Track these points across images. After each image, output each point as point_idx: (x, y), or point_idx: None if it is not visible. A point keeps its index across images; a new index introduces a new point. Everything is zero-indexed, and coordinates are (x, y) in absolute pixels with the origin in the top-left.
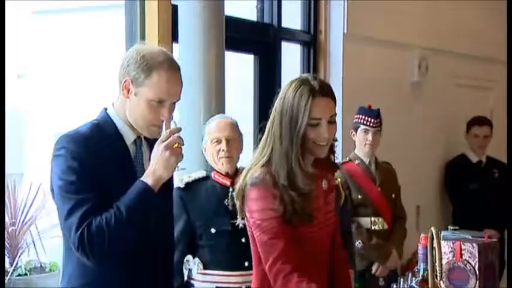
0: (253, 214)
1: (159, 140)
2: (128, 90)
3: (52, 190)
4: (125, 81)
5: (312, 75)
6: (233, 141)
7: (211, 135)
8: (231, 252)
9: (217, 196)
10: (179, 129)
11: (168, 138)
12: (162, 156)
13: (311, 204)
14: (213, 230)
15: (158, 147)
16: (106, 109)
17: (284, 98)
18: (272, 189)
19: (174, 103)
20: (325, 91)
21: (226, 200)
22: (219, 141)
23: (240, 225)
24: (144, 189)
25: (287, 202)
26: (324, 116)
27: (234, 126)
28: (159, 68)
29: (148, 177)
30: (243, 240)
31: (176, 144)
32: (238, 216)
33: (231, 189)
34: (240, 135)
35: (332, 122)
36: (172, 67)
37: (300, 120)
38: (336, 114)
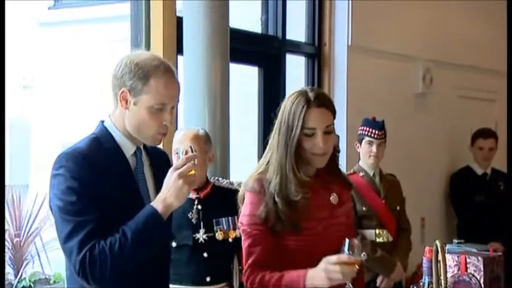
0: (242, 219)
1: (174, 166)
2: (126, 101)
3: (51, 207)
4: (122, 92)
5: (312, 87)
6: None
7: (173, 147)
8: (192, 267)
9: (182, 208)
10: (195, 157)
11: (183, 165)
12: (175, 185)
13: (299, 214)
14: (173, 244)
15: (172, 175)
16: (103, 122)
17: (283, 109)
18: (260, 195)
19: (174, 107)
20: (321, 102)
21: (191, 213)
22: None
23: (201, 239)
24: (153, 215)
25: (271, 209)
26: (318, 126)
27: (198, 138)
28: (155, 73)
29: (158, 204)
30: (205, 255)
31: (191, 172)
32: (200, 230)
33: (196, 202)
34: (208, 145)
35: (329, 132)
36: (168, 70)
37: (294, 130)
38: (332, 125)
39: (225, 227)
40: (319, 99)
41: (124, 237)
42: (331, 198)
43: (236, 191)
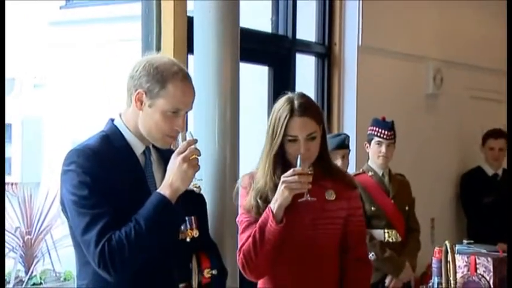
0: (238, 211)
1: (176, 151)
2: (141, 103)
3: (62, 204)
4: (138, 93)
5: (300, 94)
6: None
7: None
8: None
9: None
10: (196, 141)
11: (185, 150)
12: (179, 169)
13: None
14: None
15: (175, 160)
16: (113, 120)
17: (272, 113)
18: (247, 188)
19: (186, 112)
20: (304, 111)
21: None
22: None
23: None
24: (162, 201)
25: (253, 205)
26: (299, 134)
27: None
28: (174, 78)
29: (165, 189)
30: None
31: (193, 156)
32: None
33: None
34: None
35: (312, 139)
36: (186, 77)
37: (277, 138)
38: (315, 132)
39: (183, 227)
40: (301, 108)
41: (138, 225)
42: (326, 194)
43: (192, 192)
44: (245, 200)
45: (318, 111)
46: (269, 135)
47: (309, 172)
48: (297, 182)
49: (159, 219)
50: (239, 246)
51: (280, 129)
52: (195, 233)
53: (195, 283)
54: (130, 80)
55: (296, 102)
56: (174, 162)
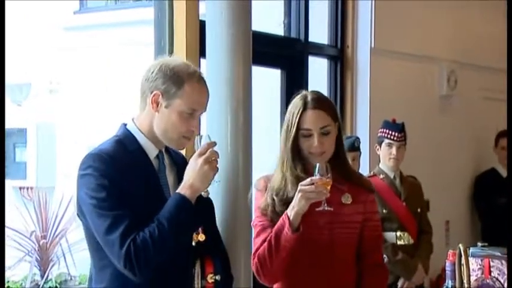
0: (254, 214)
1: (197, 153)
2: (157, 104)
3: (79, 208)
4: (154, 94)
5: (313, 91)
6: None
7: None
8: None
9: None
10: (215, 143)
11: (206, 151)
12: (201, 170)
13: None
14: None
15: (196, 161)
16: (125, 125)
17: (286, 112)
18: (262, 191)
19: (201, 114)
20: (317, 104)
21: None
22: None
23: None
24: (182, 200)
25: (269, 203)
26: (313, 127)
27: None
28: (190, 79)
29: (185, 190)
30: None
31: (213, 158)
32: None
33: None
34: None
35: (326, 133)
36: (202, 78)
37: (291, 131)
38: (330, 126)
39: None
40: (315, 102)
41: (161, 225)
42: (342, 197)
43: (200, 196)
44: (260, 202)
45: (331, 106)
46: (284, 131)
47: (327, 180)
48: (314, 192)
49: (182, 218)
50: (253, 250)
51: (294, 122)
52: (201, 238)
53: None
54: (145, 82)
55: (309, 97)
56: (195, 163)
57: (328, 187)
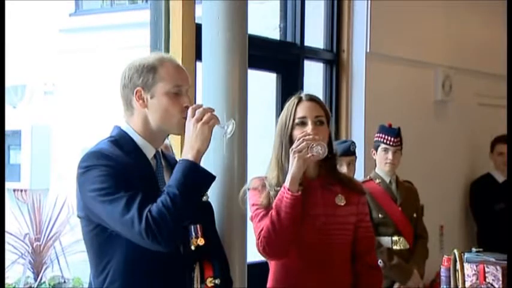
0: (250, 211)
1: (193, 119)
2: (143, 99)
3: (81, 209)
4: (136, 92)
5: (308, 93)
6: None
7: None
8: None
9: None
10: (213, 109)
11: (202, 117)
12: (194, 130)
13: None
14: None
15: (189, 124)
16: (119, 127)
17: (281, 113)
18: (259, 188)
19: (188, 90)
20: (311, 97)
21: None
22: None
23: None
24: (188, 164)
25: (272, 196)
26: (308, 115)
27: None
28: (161, 62)
29: (187, 154)
30: None
31: (212, 121)
32: None
33: None
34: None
35: (320, 122)
36: (172, 59)
37: (287, 123)
38: (324, 117)
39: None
40: (310, 96)
41: (172, 192)
42: (336, 199)
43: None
44: (258, 196)
45: (325, 107)
46: (278, 129)
47: (316, 137)
48: (303, 144)
49: (190, 181)
50: (257, 234)
51: (290, 114)
52: (201, 242)
53: None
54: (123, 88)
55: (304, 94)
56: (189, 127)
57: (316, 137)
